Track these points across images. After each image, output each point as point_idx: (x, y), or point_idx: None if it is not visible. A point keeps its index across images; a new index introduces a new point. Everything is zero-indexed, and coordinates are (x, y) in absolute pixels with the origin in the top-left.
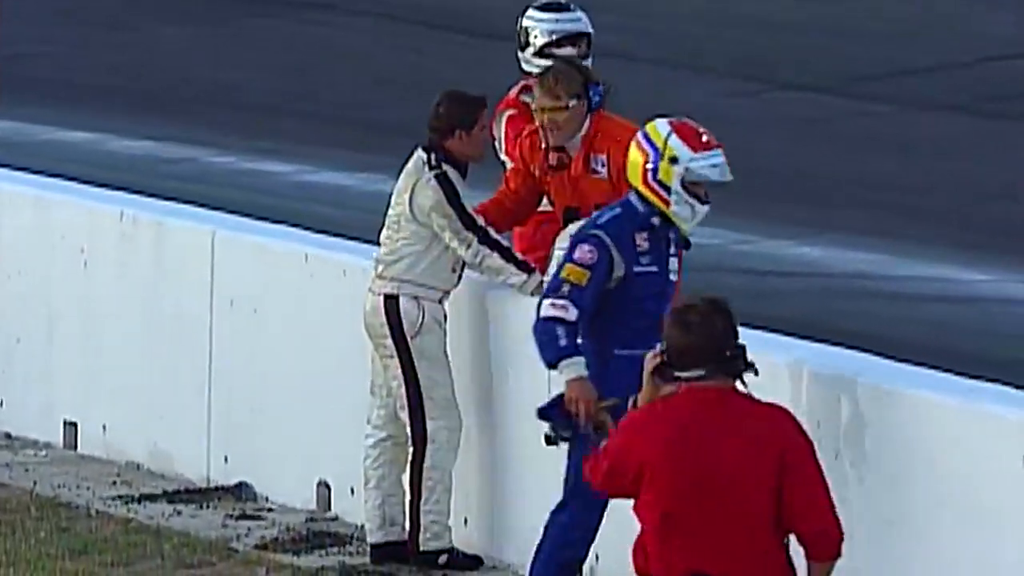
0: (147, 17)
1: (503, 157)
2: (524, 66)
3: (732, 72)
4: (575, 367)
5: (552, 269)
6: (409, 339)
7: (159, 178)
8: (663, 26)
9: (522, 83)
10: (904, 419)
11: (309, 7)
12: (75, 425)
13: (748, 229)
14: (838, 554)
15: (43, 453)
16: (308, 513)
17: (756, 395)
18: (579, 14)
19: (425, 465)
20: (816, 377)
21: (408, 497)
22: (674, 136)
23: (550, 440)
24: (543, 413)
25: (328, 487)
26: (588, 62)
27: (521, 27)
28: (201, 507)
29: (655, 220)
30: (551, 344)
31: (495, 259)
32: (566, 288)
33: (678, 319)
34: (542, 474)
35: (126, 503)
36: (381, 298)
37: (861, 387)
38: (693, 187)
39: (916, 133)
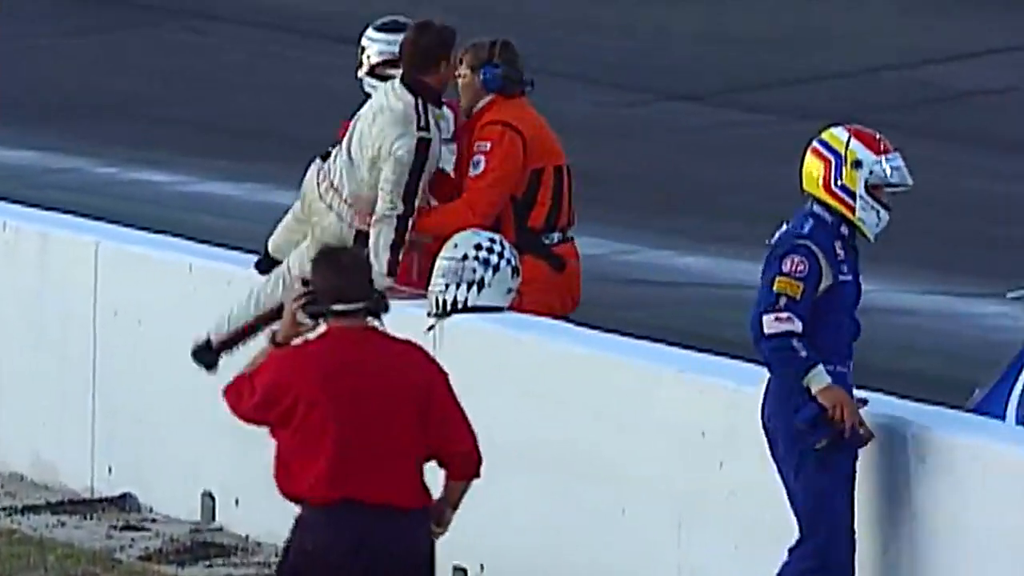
0: (30, 26)
1: None
2: (364, 86)
3: (615, 82)
4: (821, 375)
5: (440, 280)
6: None
7: (43, 188)
8: (545, 35)
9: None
10: None
11: (193, 16)
12: None
13: (632, 239)
14: (477, 474)
15: None
16: (192, 524)
17: (641, 408)
18: None
19: None
20: (698, 386)
21: None
22: (855, 140)
23: None
24: (811, 437)
25: (213, 498)
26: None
27: (359, 46)
28: (85, 518)
29: (844, 229)
30: (793, 358)
31: (386, 239)
32: (783, 301)
33: (330, 260)
34: None
35: (9, 514)
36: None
37: (744, 396)
38: (875, 192)
39: (798, 143)
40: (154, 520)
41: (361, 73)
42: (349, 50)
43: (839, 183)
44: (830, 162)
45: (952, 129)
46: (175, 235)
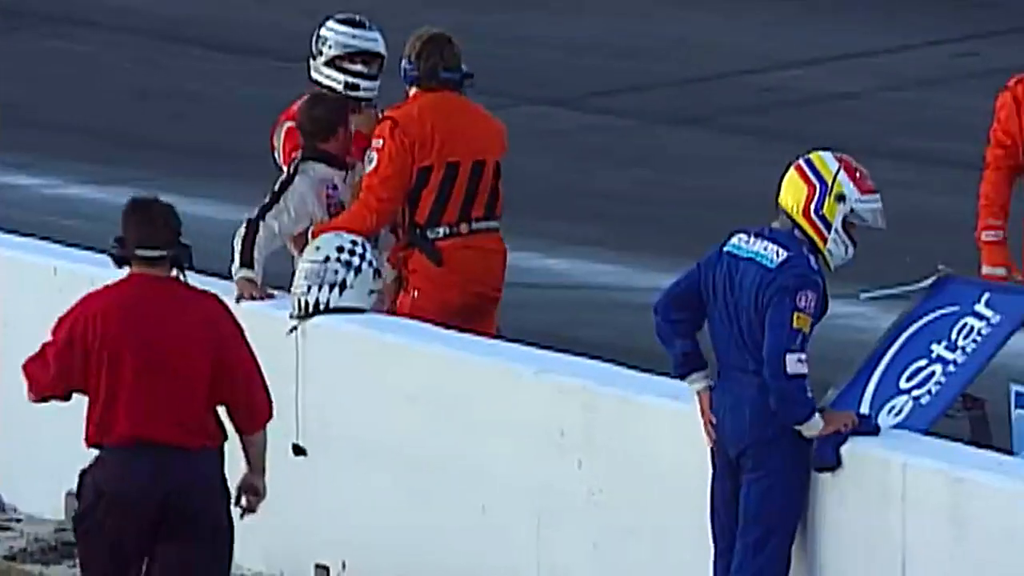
0: None
1: (282, 165)
2: (313, 74)
3: (479, 88)
4: (817, 420)
5: (303, 282)
6: None
7: None
8: (401, 38)
9: (305, 96)
10: (645, 426)
11: (63, 22)
12: None
13: None
14: (263, 426)
15: None
16: (57, 524)
17: (500, 408)
18: (376, 34)
19: None
20: (560, 387)
21: None
22: (843, 173)
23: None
24: (830, 467)
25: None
26: (377, 84)
27: (317, 35)
28: None
29: (810, 254)
30: (804, 401)
31: (240, 241)
32: (799, 339)
33: (140, 210)
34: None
35: None
36: None
37: (601, 396)
38: (849, 228)
39: (655, 146)
40: (19, 520)
41: (319, 62)
42: (217, 56)
43: (819, 212)
44: (815, 188)
45: (799, 132)
46: (40, 238)
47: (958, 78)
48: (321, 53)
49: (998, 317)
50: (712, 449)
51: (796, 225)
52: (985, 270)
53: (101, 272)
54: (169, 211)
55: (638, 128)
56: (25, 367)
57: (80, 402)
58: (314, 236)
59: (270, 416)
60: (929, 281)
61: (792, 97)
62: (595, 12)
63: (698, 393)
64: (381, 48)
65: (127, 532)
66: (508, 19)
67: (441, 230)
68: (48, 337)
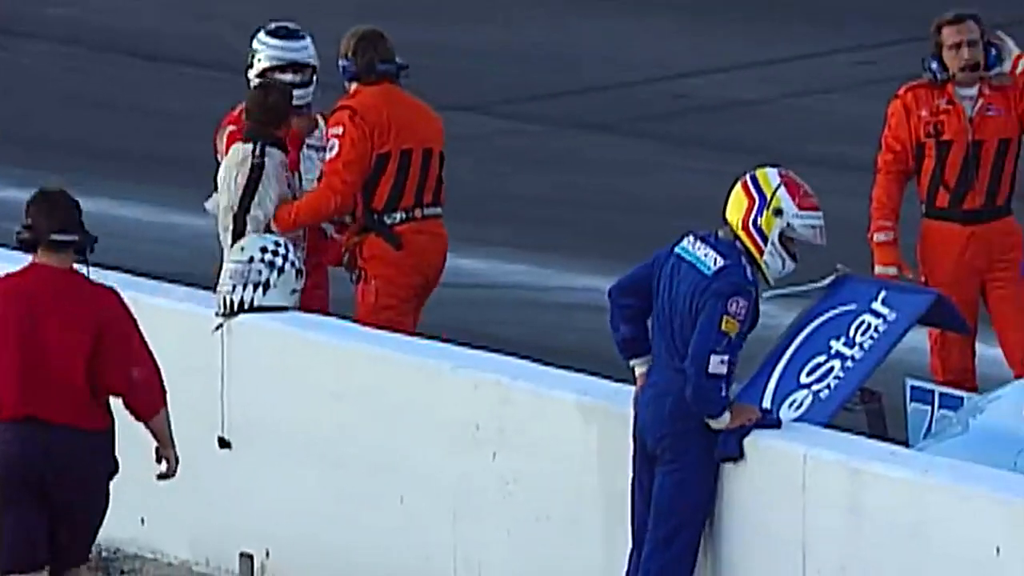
0: None
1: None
2: (252, 85)
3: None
4: (725, 416)
5: (228, 281)
6: None
7: None
8: (334, 49)
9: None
10: (556, 420)
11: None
12: None
13: None
14: (154, 414)
15: None
16: None
17: (418, 402)
18: (306, 43)
19: None
20: (472, 381)
21: None
22: (783, 189)
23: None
24: (733, 457)
25: None
26: (310, 91)
27: (250, 47)
28: None
29: (748, 266)
30: (718, 400)
31: (230, 239)
32: (725, 342)
33: (49, 199)
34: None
35: None
36: None
37: (516, 391)
38: (787, 243)
39: (568, 151)
40: None
41: (251, 74)
42: (151, 66)
43: (756, 224)
44: (754, 201)
45: (708, 138)
46: None
47: (857, 85)
48: (252, 66)
49: (894, 315)
50: (633, 446)
51: (736, 237)
52: (878, 270)
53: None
54: (74, 202)
55: (550, 133)
56: None
57: None
58: (277, 218)
59: (161, 404)
60: (828, 280)
61: (701, 104)
62: (507, 22)
63: (639, 374)
64: (310, 57)
65: (22, 499)
66: (426, 29)
67: (398, 215)
68: None
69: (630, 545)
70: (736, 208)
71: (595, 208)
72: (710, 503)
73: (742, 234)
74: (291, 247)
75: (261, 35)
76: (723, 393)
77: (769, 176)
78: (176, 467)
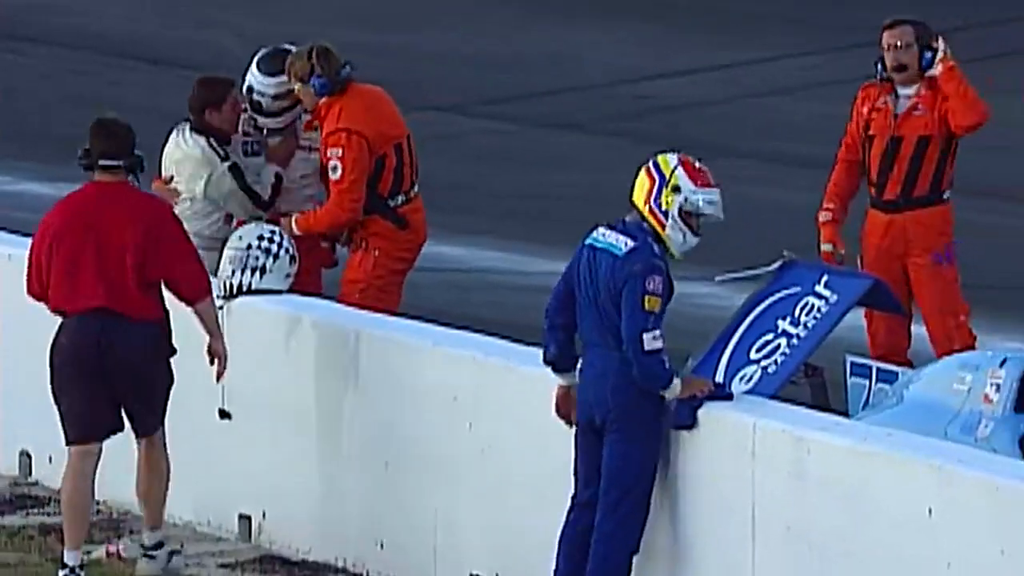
0: None
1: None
2: (257, 124)
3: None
4: (676, 384)
5: (228, 266)
6: None
7: None
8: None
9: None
10: (526, 391)
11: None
12: None
13: None
14: (203, 297)
15: None
16: (11, 479)
17: (401, 376)
18: (282, 77)
19: None
20: (451, 357)
21: None
22: (681, 169)
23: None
24: (686, 425)
25: (29, 456)
26: (289, 116)
27: (245, 82)
28: None
29: (655, 243)
30: (662, 372)
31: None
32: (652, 319)
33: (104, 127)
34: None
35: None
36: None
37: (490, 366)
38: (687, 217)
39: (537, 149)
40: None
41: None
42: (141, 66)
43: (657, 202)
44: (655, 182)
45: (669, 135)
46: None
47: (806, 87)
48: (258, 109)
49: (835, 297)
50: (579, 421)
51: (642, 217)
52: (822, 247)
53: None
54: (126, 128)
55: (521, 132)
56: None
57: (30, 371)
58: (297, 224)
59: (208, 287)
60: (776, 265)
61: (662, 104)
62: (479, 30)
63: (559, 387)
64: (294, 86)
65: (83, 382)
66: (401, 35)
67: (400, 198)
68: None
69: (569, 499)
70: (640, 190)
71: (563, 200)
72: (655, 470)
73: (646, 213)
74: (285, 236)
75: (255, 72)
76: (666, 365)
77: (668, 159)
78: (226, 361)
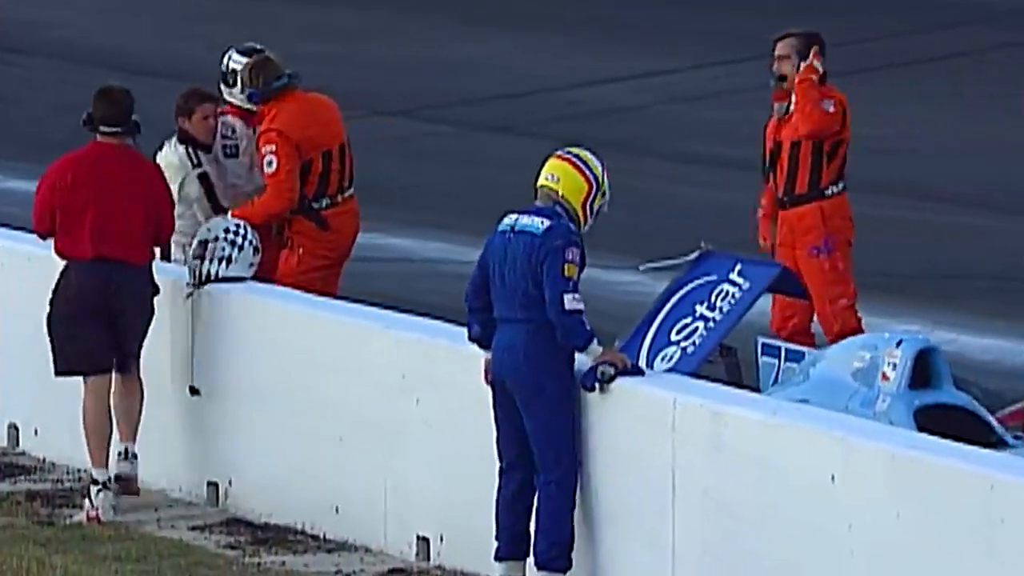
0: None
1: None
2: (227, 97)
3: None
4: (596, 345)
5: (197, 258)
6: None
7: None
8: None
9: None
10: (469, 370)
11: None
12: None
13: None
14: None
15: None
16: (0, 450)
17: (355, 357)
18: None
19: None
20: (402, 339)
21: None
22: (604, 173)
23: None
24: (588, 384)
25: (17, 428)
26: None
27: (228, 68)
28: None
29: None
30: (583, 331)
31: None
32: (571, 284)
33: (102, 96)
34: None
35: None
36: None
37: (436, 347)
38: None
39: (475, 150)
40: None
41: (235, 91)
42: (124, 77)
43: (591, 204)
44: (592, 186)
45: (597, 137)
46: None
47: (720, 94)
48: (234, 84)
49: (748, 284)
50: (492, 384)
51: (563, 206)
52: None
53: (36, 249)
54: (125, 96)
55: (460, 135)
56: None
57: (23, 350)
58: (240, 213)
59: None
60: (694, 255)
61: (590, 109)
62: (418, 41)
63: (485, 360)
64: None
65: (89, 320)
66: (344, 46)
67: (324, 201)
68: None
69: (498, 465)
70: (572, 187)
71: (500, 197)
72: (574, 432)
73: (580, 211)
74: (249, 229)
75: (236, 56)
76: (586, 326)
77: (594, 163)
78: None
